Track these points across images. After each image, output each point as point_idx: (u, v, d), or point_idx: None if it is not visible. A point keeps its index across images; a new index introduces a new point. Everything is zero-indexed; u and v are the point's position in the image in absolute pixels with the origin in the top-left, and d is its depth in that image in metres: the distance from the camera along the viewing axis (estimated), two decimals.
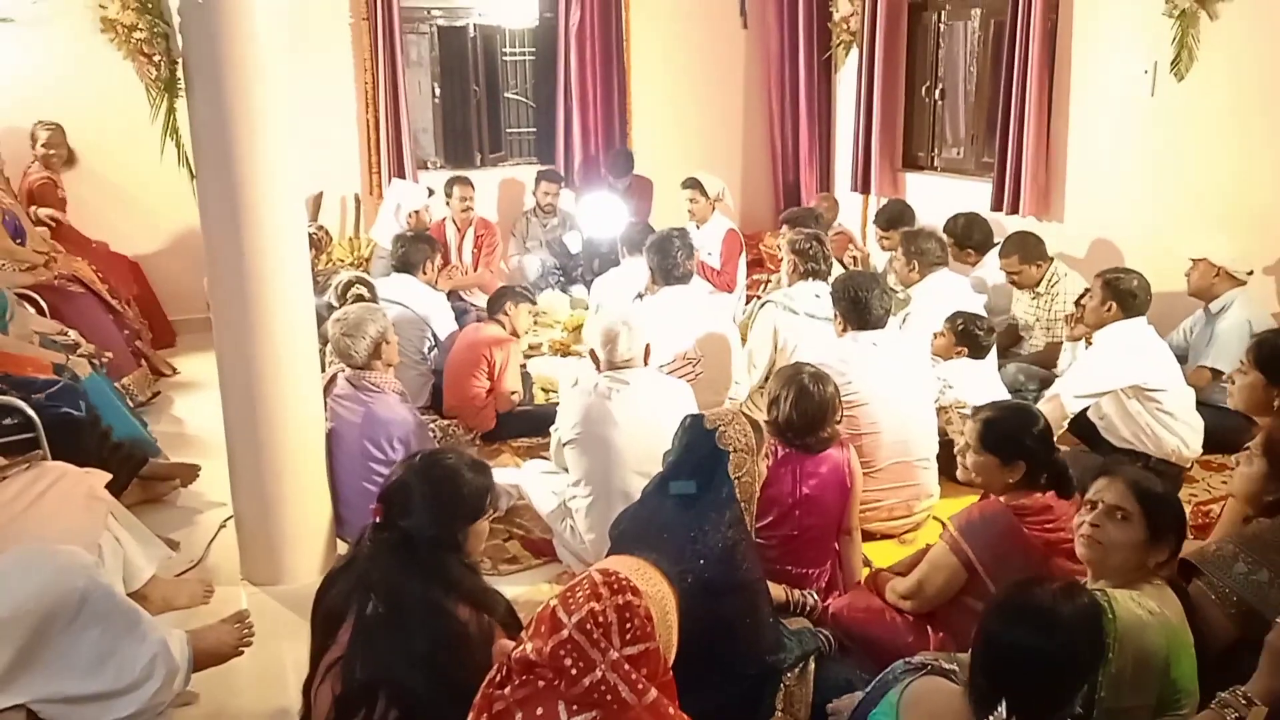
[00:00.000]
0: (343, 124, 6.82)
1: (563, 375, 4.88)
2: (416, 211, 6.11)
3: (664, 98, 7.60)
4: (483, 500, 2.17)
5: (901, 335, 4.46)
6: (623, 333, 3.35)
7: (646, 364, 3.43)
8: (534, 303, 5.03)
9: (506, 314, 4.77)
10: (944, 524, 2.64)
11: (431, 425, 4.38)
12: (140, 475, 3.86)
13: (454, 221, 6.46)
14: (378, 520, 2.11)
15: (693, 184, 6.15)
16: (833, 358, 3.59)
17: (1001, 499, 2.59)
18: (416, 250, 5.07)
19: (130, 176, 5.97)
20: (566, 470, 3.41)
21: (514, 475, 3.97)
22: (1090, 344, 3.96)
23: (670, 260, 4.31)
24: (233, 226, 3.04)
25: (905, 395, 3.63)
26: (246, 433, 3.21)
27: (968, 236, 5.29)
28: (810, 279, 4.30)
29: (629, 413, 3.25)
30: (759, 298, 4.82)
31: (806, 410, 3.00)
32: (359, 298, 4.35)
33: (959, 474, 2.74)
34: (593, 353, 3.48)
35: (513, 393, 4.67)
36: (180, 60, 3.05)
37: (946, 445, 3.77)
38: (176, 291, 6.21)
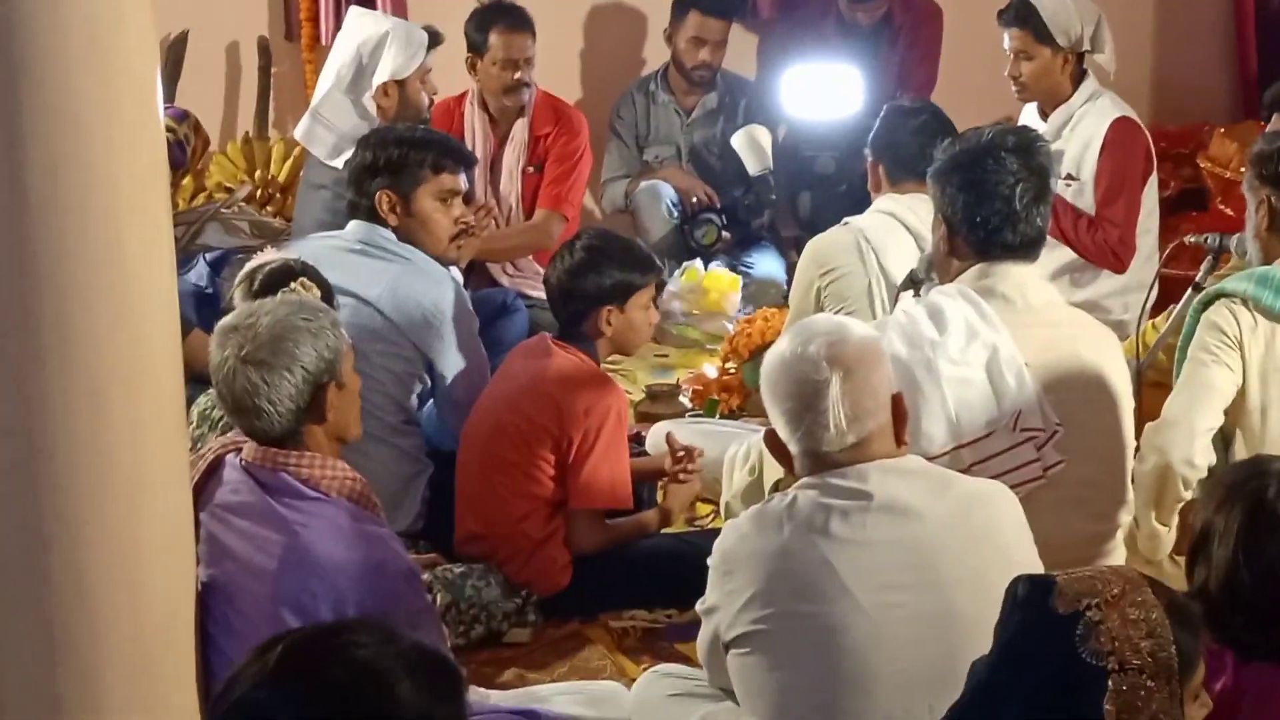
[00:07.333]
0: None
1: (738, 463, 4.98)
2: (400, 82, 6.25)
3: None
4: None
5: None
6: (828, 378, 3.45)
7: (904, 441, 3.57)
8: (660, 281, 5.16)
9: (609, 321, 4.86)
10: None
11: (427, 574, 4.53)
12: None
13: (483, 106, 6.72)
14: None
15: (1019, 15, 6.34)
16: None
17: None
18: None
19: None
20: (734, 699, 3.58)
21: (613, 707, 4.09)
22: None
23: (995, 203, 4.34)
24: None
25: None
26: (26, 575, 3.26)
27: None
28: None
29: (877, 567, 3.41)
30: (1197, 285, 4.90)
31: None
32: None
33: None
34: (770, 435, 3.60)
35: (610, 516, 4.79)
36: None
37: None
38: None
